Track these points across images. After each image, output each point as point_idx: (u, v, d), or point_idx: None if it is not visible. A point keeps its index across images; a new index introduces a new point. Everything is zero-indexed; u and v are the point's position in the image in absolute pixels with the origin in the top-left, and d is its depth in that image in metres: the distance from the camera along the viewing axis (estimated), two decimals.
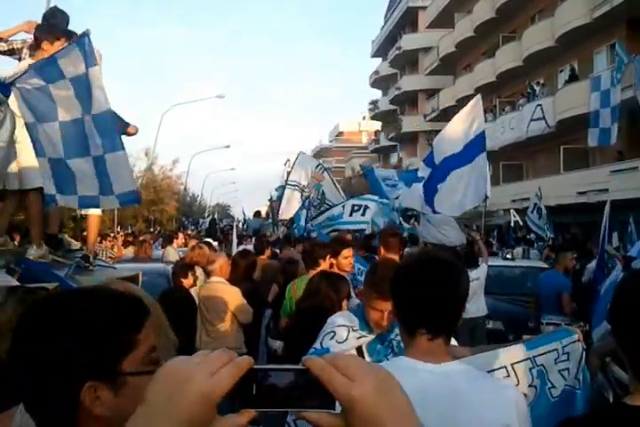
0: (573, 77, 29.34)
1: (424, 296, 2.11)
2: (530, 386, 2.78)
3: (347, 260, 6.60)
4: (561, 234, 22.00)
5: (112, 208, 4.90)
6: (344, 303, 4.45)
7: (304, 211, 16.04)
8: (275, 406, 0.88)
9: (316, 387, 0.85)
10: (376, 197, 14.57)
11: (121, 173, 4.51)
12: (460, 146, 11.41)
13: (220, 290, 6.93)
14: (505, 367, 2.71)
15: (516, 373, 2.71)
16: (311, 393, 0.86)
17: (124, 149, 4.54)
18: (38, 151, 4.43)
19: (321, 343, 3.22)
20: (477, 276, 9.38)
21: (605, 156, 25.54)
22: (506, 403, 2.04)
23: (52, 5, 9.26)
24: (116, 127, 4.55)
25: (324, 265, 6.44)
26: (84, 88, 4.41)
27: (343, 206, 14.05)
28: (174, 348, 2.18)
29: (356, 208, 13.69)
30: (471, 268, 9.13)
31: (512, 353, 2.82)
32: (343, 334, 3.22)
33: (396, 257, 6.27)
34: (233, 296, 6.92)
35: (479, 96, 12.43)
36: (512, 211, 20.97)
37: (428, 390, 1.95)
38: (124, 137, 7.15)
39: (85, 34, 4.49)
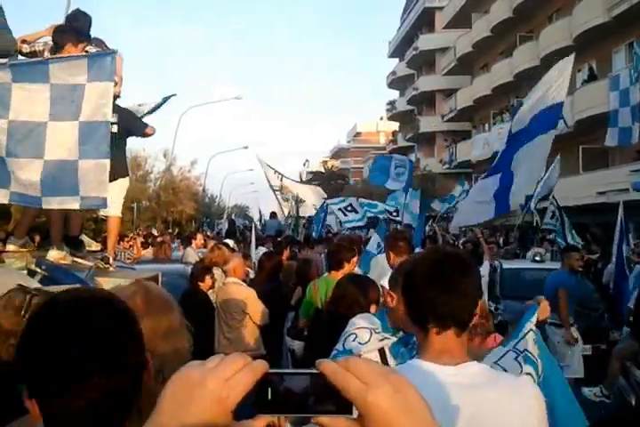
0: (592, 77, 29.17)
1: (436, 292, 2.10)
2: (524, 373, 2.72)
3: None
4: (580, 235, 21.84)
5: (67, 208, 4.84)
6: (372, 308, 4.34)
7: (321, 214, 16.13)
8: (290, 411, 0.87)
9: (332, 391, 0.84)
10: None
11: (94, 179, 4.53)
12: (527, 118, 9.15)
13: (236, 292, 6.95)
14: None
15: (503, 368, 2.67)
16: (327, 398, 0.85)
17: (107, 157, 4.54)
18: None
19: (343, 345, 3.19)
20: (483, 273, 9.32)
21: (625, 155, 25.38)
22: (526, 404, 2.02)
23: (72, 7, 9.35)
24: (106, 138, 4.56)
25: (348, 267, 6.41)
26: (70, 96, 4.42)
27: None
28: (187, 351, 2.17)
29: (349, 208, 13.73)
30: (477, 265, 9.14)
31: (494, 353, 2.83)
32: (365, 335, 3.19)
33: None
34: (248, 298, 6.94)
35: (571, 57, 9.67)
36: (534, 211, 20.81)
37: (446, 395, 1.95)
38: (141, 138, 7.20)
39: (112, 52, 4.54)
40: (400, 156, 17.99)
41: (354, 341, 3.19)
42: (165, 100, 9.39)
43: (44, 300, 2.88)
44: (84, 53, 4.66)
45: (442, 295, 2.10)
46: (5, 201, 4.61)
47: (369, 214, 16.57)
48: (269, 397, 0.86)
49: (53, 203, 4.61)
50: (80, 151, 4.46)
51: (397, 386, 0.84)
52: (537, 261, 13.20)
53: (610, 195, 24.09)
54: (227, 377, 0.84)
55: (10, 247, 5.54)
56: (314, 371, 0.86)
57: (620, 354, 8.18)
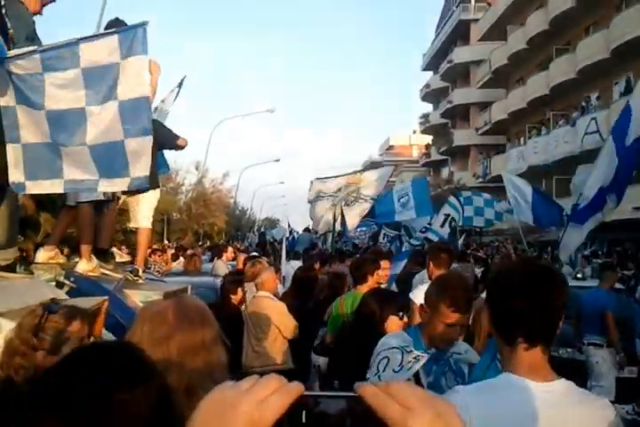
0: (629, 90, 28.78)
1: (530, 306, 2.06)
2: None
3: (383, 271, 6.63)
4: (615, 251, 21.51)
5: (118, 190, 4.78)
6: (390, 321, 4.35)
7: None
8: None
9: (369, 416, 0.80)
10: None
11: (140, 157, 4.48)
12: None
13: (266, 305, 6.88)
14: None
15: None
16: (363, 422, 0.81)
17: (150, 133, 4.47)
18: (10, 137, 4.36)
19: (379, 376, 3.13)
20: None
21: None
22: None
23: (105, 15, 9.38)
24: (147, 114, 4.49)
25: (371, 281, 6.36)
26: (104, 77, 4.35)
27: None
28: (222, 366, 2.14)
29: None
30: None
31: None
32: (397, 357, 3.15)
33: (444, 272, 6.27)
34: (278, 311, 6.87)
35: None
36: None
37: (540, 411, 1.96)
38: (173, 151, 7.15)
39: (142, 24, 4.45)
40: (400, 185, 17.42)
41: (386, 368, 3.14)
42: (180, 84, 9.45)
43: (66, 316, 2.84)
44: (113, 30, 4.56)
45: (535, 310, 2.06)
46: (61, 190, 4.54)
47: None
48: (304, 420, 0.82)
49: (109, 185, 4.55)
50: (124, 131, 4.39)
51: (442, 414, 0.81)
52: (578, 279, 12.67)
53: None
54: (260, 399, 0.81)
55: (39, 259, 5.52)
56: (351, 394, 0.82)
57: None
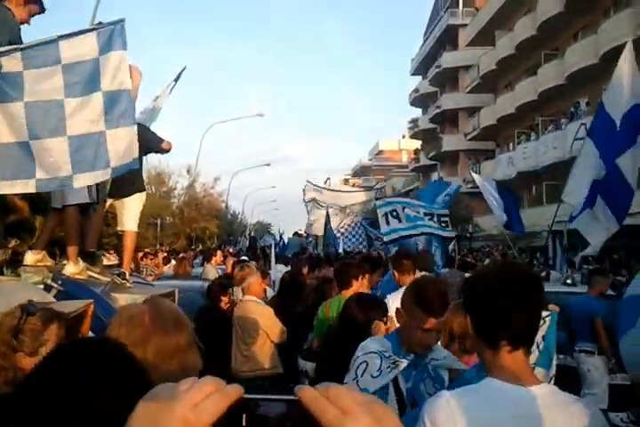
0: None
1: (512, 309, 2.09)
2: None
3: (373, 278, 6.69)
4: (608, 258, 21.51)
5: (97, 181, 4.76)
6: (379, 324, 4.30)
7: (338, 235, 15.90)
8: None
9: (309, 420, 0.79)
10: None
11: (123, 146, 4.48)
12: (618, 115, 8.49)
13: (253, 310, 6.87)
14: None
15: None
16: (303, 425, 0.80)
17: (134, 124, 4.52)
18: None
19: (357, 381, 3.12)
20: None
21: None
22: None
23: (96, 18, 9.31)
24: (129, 105, 4.52)
25: (356, 285, 6.36)
26: (84, 73, 4.39)
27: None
28: (196, 370, 2.14)
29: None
30: None
31: None
32: (376, 362, 3.14)
33: (409, 280, 6.32)
34: (265, 316, 6.85)
35: (629, 46, 9.36)
36: (564, 232, 20.47)
37: (524, 416, 1.99)
38: (158, 155, 7.15)
39: (120, 21, 4.47)
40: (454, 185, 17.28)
41: (364, 373, 3.13)
42: (178, 78, 9.38)
43: (43, 318, 2.84)
44: (92, 27, 4.58)
45: (517, 313, 2.09)
46: (33, 190, 4.53)
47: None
48: (244, 423, 0.82)
49: (85, 179, 4.54)
50: (106, 122, 4.43)
51: (379, 418, 0.80)
52: (568, 285, 12.69)
53: (638, 216, 23.68)
54: (196, 402, 0.80)
55: (27, 261, 5.50)
56: (291, 397, 0.82)
57: None
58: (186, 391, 0.81)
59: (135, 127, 4.55)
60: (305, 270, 11.45)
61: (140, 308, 2.15)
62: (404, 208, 12.72)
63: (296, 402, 0.81)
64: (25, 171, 4.36)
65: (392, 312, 4.02)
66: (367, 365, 3.14)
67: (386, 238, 13.03)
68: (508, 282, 2.15)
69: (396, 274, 6.66)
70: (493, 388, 2.09)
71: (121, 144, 4.48)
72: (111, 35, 4.41)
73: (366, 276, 6.94)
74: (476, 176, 15.67)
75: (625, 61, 8.91)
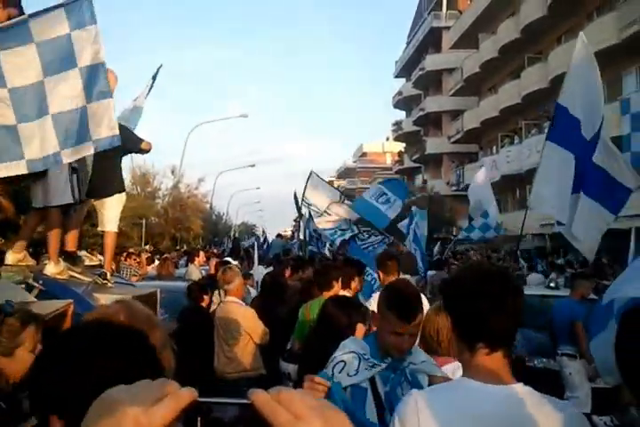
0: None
1: (485, 309, 2.11)
2: None
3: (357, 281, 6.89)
4: (593, 262, 21.57)
5: (84, 155, 4.81)
6: (358, 326, 4.37)
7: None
8: None
9: (261, 423, 0.80)
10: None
11: (103, 119, 4.50)
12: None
13: (235, 311, 6.85)
14: None
15: None
16: None
17: (111, 97, 4.54)
18: None
19: (332, 376, 3.08)
20: None
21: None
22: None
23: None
24: (104, 78, 4.53)
25: (337, 287, 6.36)
26: (59, 50, 4.41)
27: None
28: (170, 371, 2.11)
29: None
30: None
31: None
32: (354, 362, 3.11)
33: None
34: (247, 317, 6.85)
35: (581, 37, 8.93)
36: (547, 236, 20.63)
37: (491, 414, 2.00)
38: (139, 155, 7.13)
39: None
40: (367, 192, 17.20)
41: (342, 371, 3.10)
42: (155, 76, 9.39)
43: (21, 319, 2.82)
44: (59, 3, 4.57)
45: (494, 314, 2.11)
46: (25, 171, 4.50)
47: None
48: (198, 426, 0.84)
49: (71, 154, 4.55)
50: (85, 97, 4.45)
51: (330, 422, 0.80)
52: (552, 288, 12.79)
53: (623, 220, 23.77)
54: (148, 404, 0.80)
55: (8, 261, 5.47)
56: (245, 401, 0.82)
57: None
58: (139, 393, 0.82)
59: (112, 100, 4.56)
60: (287, 272, 11.43)
61: (115, 308, 2.13)
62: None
63: (249, 406, 0.81)
64: (14, 153, 4.36)
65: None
66: (345, 364, 3.11)
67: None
68: (484, 284, 2.16)
69: (380, 275, 6.73)
70: (465, 386, 2.12)
71: (100, 118, 4.50)
72: (80, 10, 4.44)
73: (355, 279, 6.96)
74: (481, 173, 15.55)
75: (580, 55, 8.77)
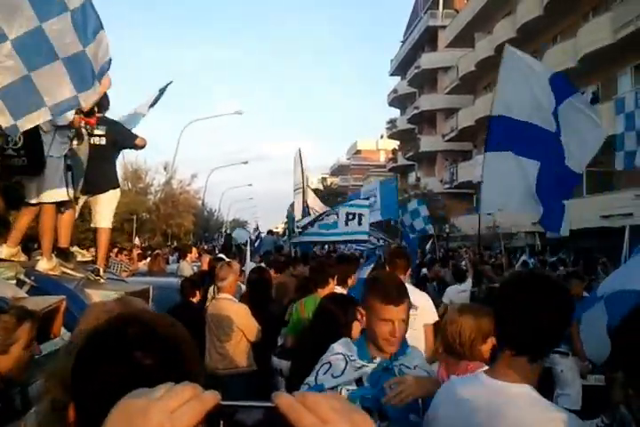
0: (595, 100, 29.20)
1: (506, 316, 2.25)
2: None
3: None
4: (583, 259, 21.67)
5: (96, 98, 4.82)
6: (355, 324, 4.32)
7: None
8: None
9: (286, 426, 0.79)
10: (367, 203, 13.76)
11: (53, 83, 4.41)
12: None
13: (227, 308, 6.82)
14: None
15: None
16: None
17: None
18: None
19: (316, 379, 3.06)
20: (464, 289, 11.56)
21: (631, 179, 25.17)
22: None
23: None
24: (94, 17, 4.47)
25: (332, 284, 6.35)
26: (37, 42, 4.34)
27: (337, 214, 13.00)
28: None
29: (350, 217, 12.96)
30: (461, 282, 11.90)
31: None
32: (340, 364, 3.07)
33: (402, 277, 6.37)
34: (241, 314, 6.81)
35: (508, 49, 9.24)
36: (535, 234, 20.66)
37: (473, 401, 2.16)
38: (135, 151, 7.12)
39: None
40: (368, 186, 17.30)
41: (326, 373, 3.06)
42: (162, 90, 9.33)
43: (16, 316, 2.80)
44: None
45: (520, 323, 2.18)
46: (49, 117, 4.45)
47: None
48: None
49: (89, 97, 4.53)
50: (80, 40, 4.40)
51: (356, 424, 0.79)
52: None
53: (614, 219, 23.89)
54: (172, 409, 0.79)
55: (2, 255, 5.45)
56: (269, 404, 0.81)
57: (623, 382, 7.99)
58: (161, 397, 0.80)
59: (104, 32, 4.53)
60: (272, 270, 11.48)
61: (111, 305, 2.11)
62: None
63: (273, 409, 0.79)
64: (34, 102, 4.32)
65: None
66: (331, 366, 3.07)
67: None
68: (520, 293, 2.23)
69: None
70: (471, 378, 2.30)
71: (49, 81, 4.40)
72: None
73: (352, 276, 6.96)
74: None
75: (509, 65, 8.85)
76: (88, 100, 4.57)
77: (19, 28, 4.24)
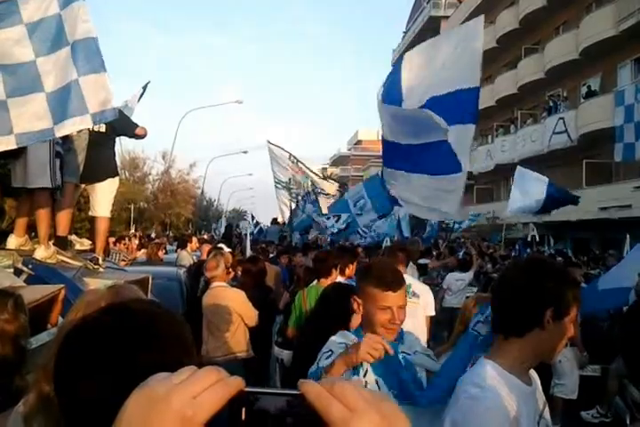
0: (590, 94, 29.19)
1: (498, 300, 2.35)
2: None
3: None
4: (580, 250, 21.72)
5: (81, 128, 4.82)
6: (355, 317, 4.29)
7: (304, 215, 15.91)
8: None
9: (312, 416, 0.74)
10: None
11: (98, 92, 4.43)
12: (426, 95, 8.01)
13: (223, 295, 6.84)
14: None
15: None
16: (306, 422, 0.76)
17: (104, 71, 4.46)
18: None
19: (317, 364, 3.01)
20: (463, 278, 12.27)
21: (629, 171, 25.19)
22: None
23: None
24: (98, 52, 4.46)
25: (335, 274, 6.39)
26: (48, 29, 4.39)
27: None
28: None
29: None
30: (465, 271, 12.50)
31: None
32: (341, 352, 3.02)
33: (403, 270, 6.41)
34: (239, 300, 6.84)
35: (481, 18, 8.72)
36: (531, 224, 20.66)
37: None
38: (135, 140, 7.11)
39: None
40: (352, 191, 17.34)
41: (328, 358, 2.98)
42: (144, 88, 9.47)
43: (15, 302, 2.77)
44: None
45: (500, 304, 2.32)
46: (14, 146, 4.46)
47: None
48: (243, 417, 0.76)
49: (66, 127, 4.50)
50: (78, 69, 4.39)
51: (387, 416, 0.75)
52: None
53: (612, 211, 23.93)
54: (194, 394, 0.75)
55: (10, 245, 5.45)
56: (294, 392, 0.77)
57: (618, 372, 8.05)
58: (183, 383, 0.77)
59: (106, 74, 4.48)
60: (284, 258, 11.53)
61: (100, 294, 2.07)
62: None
63: (299, 397, 0.76)
64: (2, 128, 4.31)
65: None
66: (332, 353, 3.01)
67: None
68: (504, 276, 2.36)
69: None
70: (482, 364, 2.31)
71: (95, 90, 4.43)
72: None
73: (350, 266, 6.98)
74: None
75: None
76: (65, 131, 4.54)
77: (13, 58, 4.31)
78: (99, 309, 1.30)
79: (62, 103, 4.40)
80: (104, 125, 6.27)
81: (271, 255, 15.42)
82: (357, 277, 3.22)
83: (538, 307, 2.22)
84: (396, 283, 2.98)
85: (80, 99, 4.40)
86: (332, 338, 3.21)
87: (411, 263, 7.82)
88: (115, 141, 6.73)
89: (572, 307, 2.27)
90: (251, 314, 6.81)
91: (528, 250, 20.36)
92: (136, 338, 1.19)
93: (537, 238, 20.17)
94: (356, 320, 4.27)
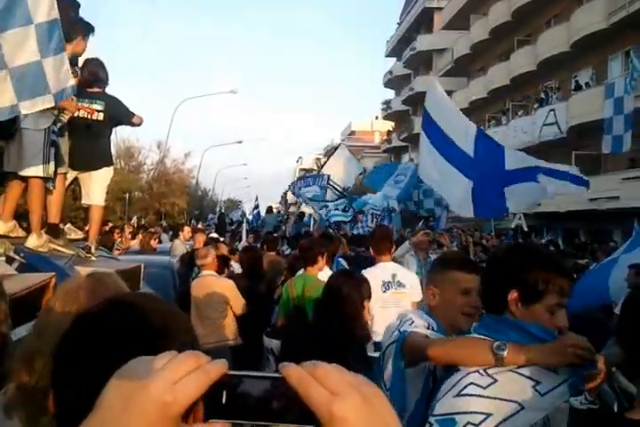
0: (578, 88, 29.26)
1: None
2: None
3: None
4: (570, 240, 21.80)
5: (44, 108, 4.83)
6: (366, 303, 4.18)
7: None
8: (246, 417, 0.76)
9: (295, 399, 0.75)
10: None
11: (59, 72, 4.51)
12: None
13: (212, 283, 6.92)
14: None
15: None
16: (288, 405, 0.75)
17: (63, 50, 4.54)
18: None
19: (399, 329, 2.87)
20: None
21: (617, 163, 25.33)
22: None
23: None
24: (58, 34, 4.51)
25: (321, 262, 6.40)
26: (10, 8, 4.39)
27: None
28: None
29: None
30: None
31: None
32: (423, 324, 2.89)
33: (388, 259, 6.53)
34: (227, 288, 6.93)
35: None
36: (520, 215, 20.75)
37: None
38: (130, 128, 7.10)
39: None
40: (406, 164, 17.58)
41: (411, 324, 2.85)
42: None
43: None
44: None
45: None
46: None
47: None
48: (224, 400, 0.76)
49: (29, 106, 4.50)
50: (40, 51, 4.45)
51: (369, 399, 0.75)
52: None
53: (601, 202, 24.04)
54: (175, 379, 0.73)
55: None
56: (276, 375, 0.77)
57: (607, 361, 8.12)
58: (163, 368, 0.75)
59: (65, 54, 4.57)
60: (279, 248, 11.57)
61: (77, 282, 2.04)
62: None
63: (281, 380, 0.76)
64: None
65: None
66: (413, 321, 2.88)
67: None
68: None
69: (373, 253, 6.71)
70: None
71: (57, 71, 4.51)
72: None
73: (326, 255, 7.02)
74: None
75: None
76: (29, 109, 4.55)
77: None
78: (104, 301, 1.26)
79: (26, 82, 4.44)
80: (101, 114, 6.25)
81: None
82: (435, 266, 3.22)
83: (500, 287, 2.22)
84: (476, 266, 3.10)
85: (43, 79, 4.46)
86: (408, 314, 3.05)
87: (412, 253, 7.77)
88: (111, 130, 6.72)
89: (548, 293, 2.19)
90: (239, 303, 6.88)
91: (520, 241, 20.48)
92: (151, 333, 1.17)
93: (525, 228, 20.27)
94: (367, 307, 4.23)
